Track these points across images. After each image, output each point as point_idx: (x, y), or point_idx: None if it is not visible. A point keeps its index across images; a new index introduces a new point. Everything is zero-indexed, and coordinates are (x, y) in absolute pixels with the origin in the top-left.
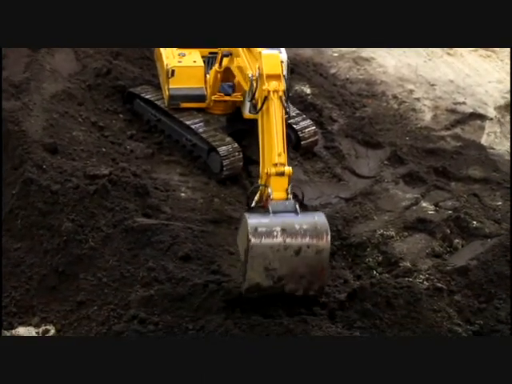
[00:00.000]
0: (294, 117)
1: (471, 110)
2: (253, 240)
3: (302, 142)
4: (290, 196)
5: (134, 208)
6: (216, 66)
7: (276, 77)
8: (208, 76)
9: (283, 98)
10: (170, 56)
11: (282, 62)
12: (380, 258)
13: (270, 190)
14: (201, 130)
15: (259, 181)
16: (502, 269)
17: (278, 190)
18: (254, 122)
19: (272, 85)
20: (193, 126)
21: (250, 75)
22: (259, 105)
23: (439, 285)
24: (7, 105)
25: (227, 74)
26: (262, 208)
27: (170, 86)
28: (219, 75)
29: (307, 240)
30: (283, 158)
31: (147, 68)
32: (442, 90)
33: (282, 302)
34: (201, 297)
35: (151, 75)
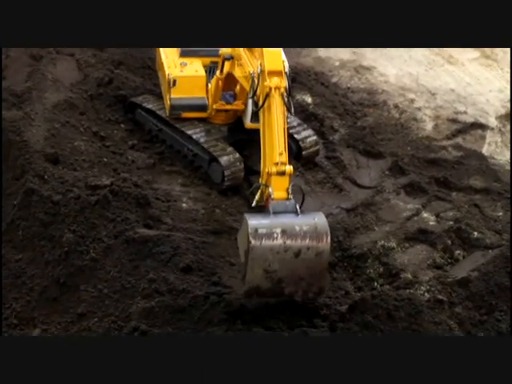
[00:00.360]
0: (295, 126)
1: (472, 120)
2: (253, 242)
3: (304, 152)
4: (291, 196)
5: (135, 219)
6: (217, 73)
7: (278, 73)
8: (209, 85)
9: (285, 94)
10: (171, 65)
11: (283, 61)
12: (381, 270)
13: (270, 190)
14: (202, 140)
15: (260, 179)
16: (503, 280)
17: (278, 190)
18: (256, 132)
19: (274, 81)
20: (194, 136)
21: (251, 71)
22: (261, 101)
23: (440, 297)
24: (9, 114)
25: (228, 83)
26: (263, 207)
27: (172, 96)
28: (221, 82)
29: (307, 242)
30: (284, 157)
31: (149, 77)
32: (443, 99)
33: (283, 314)
34: (202, 308)
35: (153, 85)
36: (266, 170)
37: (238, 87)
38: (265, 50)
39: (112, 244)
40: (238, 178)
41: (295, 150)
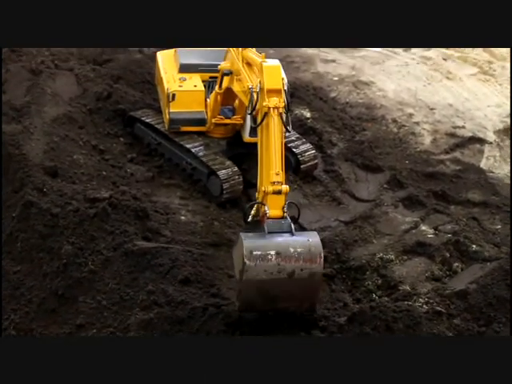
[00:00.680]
0: (293, 140)
1: (470, 134)
2: (248, 263)
3: (302, 166)
4: (286, 213)
5: (134, 231)
6: (216, 88)
7: (277, 91)
8: (208, 100)
9: (283, 114)
10: (170, 80)
11: (282, 78)
12: (379, 282)
13: (266, 208)
14: (201, 154)
15: (256, 194)
16: (501, 292)
17: (274, 208)
18: (254, 145)
19: (272, 101)
20: (193, 150)
21: (250, 86)
22: (259, 119)
23: (438, 308)
24: (8, 128)
25: (227, 98)
26: (259, 222)
27: (171, 110)
28: (219, 97)
29: (301, 263)
30: (281, 177)
31: (148, 92)
32: (442, 113)
33: (282, 325)
34: (200, 320)
35: (152, 99)
36: (263, 189)
37: (236, 102)
38: (264, 66)
39: (111, 256)
40: (236, 191)
41: (294, 164)
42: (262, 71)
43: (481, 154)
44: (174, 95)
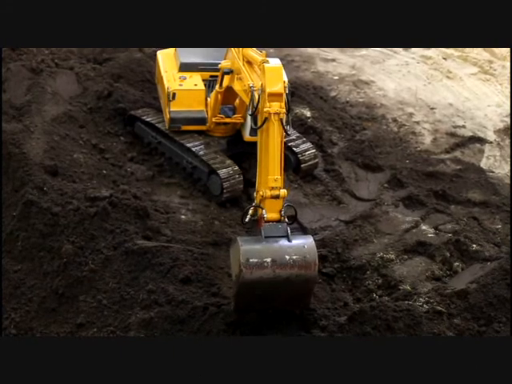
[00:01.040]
0: (294, 140)
1: (471, 134)
2: (244, 270)
3: (302, 165)
4: (284, 217)
5: (135, 230)
6: (217, 87)
7: (278, 96)
8: (209, 99)
9: (284, 119)
10: (171, 79)
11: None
12: (380, 281)
13: (263, 212)
14: (201, 153)
15: (254, 194)
16: (501, 292)
17: (271, 212)
18: (255, 144)
19: (273, 106)
20: (193, 149)
21: (250, 85)
22: (259, 122)
23: (439, 308)
24: (9, 127)
25: (228, 97)
26: (256, 222)
27: (171, 109)
28: (220, 96)
29: (296, 270)
30: (279, 182)
31: (148, 91)
32: (442, 113)
33: (282, 325)
34: (201, 319)
35: (152, 98)
36: (261, 193)
37: (237, 101)
38: (266, 67)
39: (111, 255)
40: (236, 190)
41: (294, 163)
42: (264, 73)
43: (481, 154)
44: (174, 94)
